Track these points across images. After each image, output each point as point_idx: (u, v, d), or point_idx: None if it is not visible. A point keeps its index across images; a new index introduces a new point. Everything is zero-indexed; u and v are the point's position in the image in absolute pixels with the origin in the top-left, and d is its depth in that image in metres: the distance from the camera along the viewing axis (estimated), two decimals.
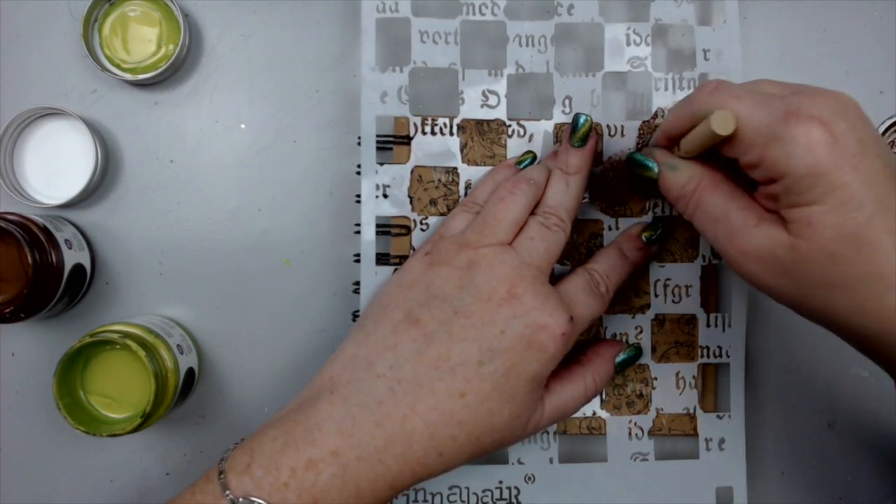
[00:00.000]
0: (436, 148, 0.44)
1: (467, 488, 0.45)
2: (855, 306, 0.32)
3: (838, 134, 0.31)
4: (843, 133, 0.31)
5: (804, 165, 0.31)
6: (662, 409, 0.45)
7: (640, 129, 0.45)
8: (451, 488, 0.45)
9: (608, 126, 0.45)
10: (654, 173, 0.40)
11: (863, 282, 0.32)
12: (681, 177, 0.38)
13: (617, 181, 0.44)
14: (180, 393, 0.43)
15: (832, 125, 0.32)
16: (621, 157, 0.44)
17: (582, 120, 0.41)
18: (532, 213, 0.40)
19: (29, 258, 0.40)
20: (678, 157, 0.39)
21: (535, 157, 0.44)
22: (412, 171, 0.44)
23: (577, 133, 0.41)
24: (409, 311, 0.38)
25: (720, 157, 0.36)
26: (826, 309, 0.34)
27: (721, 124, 0.33)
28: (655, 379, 0.45)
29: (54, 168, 0.45)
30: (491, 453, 0.38)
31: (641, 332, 0.45)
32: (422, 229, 0.44)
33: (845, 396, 0.48)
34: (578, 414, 0.45)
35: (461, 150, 0.44)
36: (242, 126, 0.47)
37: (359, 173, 0.44)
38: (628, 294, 0.45)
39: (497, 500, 0.45)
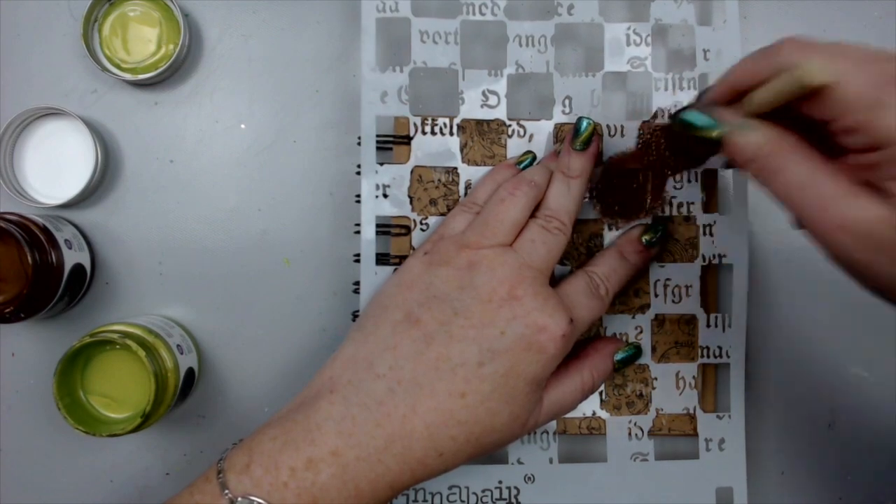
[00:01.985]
0: (436, 148, 0.44)
1: (467, 488, 0.45)
2: None
3: None
4: None
5: None
6: (662, 410, 0.45)
7: (640, 129, 0.45)
8: (450, 488, 0.45)
9: (608, 126, 0.45)
10: (717, 132, 0.34)
11: None
12: (756, 137, 0.33)
13: (617, 180, 0.44)
14: (180, 393, 0.43)
15: None
16: (623, 154, 0.44)
17: (584, 124, 0.41)
18: (533, 215, 0.40)
19: (29, 258, 0.40)
20: (744, 116, 0.34)
21: (534, 158, 0.44)
22: (412, 171, 0.44)
23: (580, 137, 0.41)
24: (409, 311, 0.38)
25: (790, 119, 0.32)
26: None
27: (814, 73, 0.29)
28: (655, 379, 0.45)
29: (54, 168, 0.45)
30: (490, 453, 0.38)
31: (641, 332, 0.45)
32: (422, 229, 0.44)
33: (845, 396, 0.48)
34: (578, 414, 0.45)
35: (461, 150, 0.44)
36: (242, 126, 0.47)
37: (359, 173, 0.44)
38: (628, 294, 0.45)
39: (497, 499, 0.45)
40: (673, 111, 0.41)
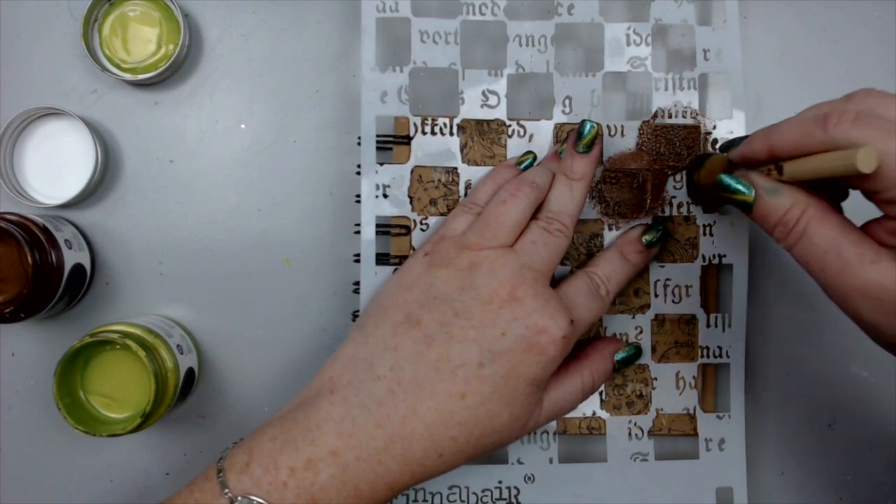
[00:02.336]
0: (436, 148, 0.44)
1: (467, 488, 0.45)
2: None
3: None
4: None
5: None
6: (662, 410, 0.45)
7: (640, 129, 0.45)
8: (450, 488, 0.45)
9: (608, 126, 0.45)
10: (749, 198, 0.35)
11: None
12: (784, 202, 0.34)
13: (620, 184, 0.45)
14: (180, 393, 0.43)
15: None
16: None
17: (588, 127, 0.41)
18: (534, 216, 0.40)
19: (29, 258, 0.40)
20: (776, 181, 0.35)
21: (535, 158, 0.44)
22: (412, 171, 0.44)
23: (583, 140, 0.41)
24: (409, 312, 0.38)
25: (823, 184, 0.33)
26: None
27: (866, 162, 0.30)
28: (655, 379, 0.45)
29: (54, 168, 0.45)
30: (490, 454, 0.38)
31: (641, 332, 0.45)
32: (422, 229, 0.44)
33: (845, 396, 0.48)
34: (578, 414, 0.45)
35: (461, 150, 0.44)
36: (242, 126, 0.47)
37: (359, 173, 0.44)
38: (628, 294, 0.45)
39: (497, 499, 0.45)
40: (695, 158, 0.43)
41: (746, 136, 0.37)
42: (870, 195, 0.32)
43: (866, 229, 0.33)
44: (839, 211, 0.34)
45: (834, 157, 0.31)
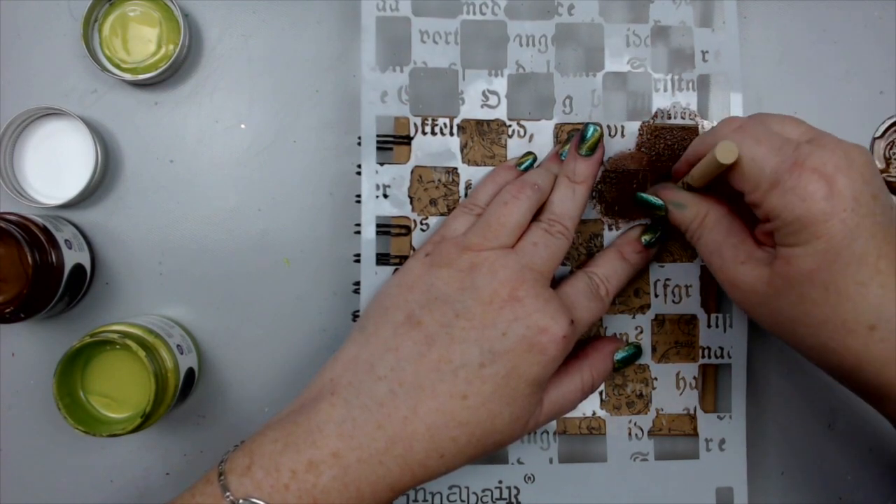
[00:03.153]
0: (436, 148, 0.44)
1: (467, 488, 0.45)
2: (818, 343, 0.35)
3: (836, 188, 0.33)
4: (841, 187, 0.33)
5: (796, 213, 0.34)
6: (662, 410, 0.45)
7: (639, 130, 0.45)
8: (450, 488, 0.45)
9: (608, 126, 0.45)
10: (662, 210, 0.42)
11: (825, 324, 0.35)
12: (687, 214, 0.41)
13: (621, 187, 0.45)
14: (180, 393, 0.43)
15: (833, 178, 0.33)
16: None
17: (591, 130, 0.41)
18: (535, 218, 0.40)
19: (29, 258, 0.40)
20: (685, 193, 0.41)
21: (535, 158, 0.44)
22: (412, 171, 0.44)
23: (587, 143, 0.41)
24: (410, 312, 0.38)
25: (730, 190, 0.38)
26: (795, 342, 0.37)
27: (724, 154, 0.35)
28: (655, 379, 0.45)
29: (54, 168, 0.45)
30: (491, 454, 0.38)
31: (641, 332, 0.45)
32: (422, 229, 0.44)
33: (845, 396, 0.48)
34: (578, 414, 0.45)
35: (461, 150, 0.44)
36: (242, 126, 0.47)
37: (359, 173, 0.44)
38: (628, 294, 0.45)
39: (497, 499, 0.45)
40: (700, 125, 0.45)
41: None
42: (746, 200, 0.36)
43: (752, 232, 0.38)
44: (738, 217, 0.39)
45: (709, 156, 0.36)
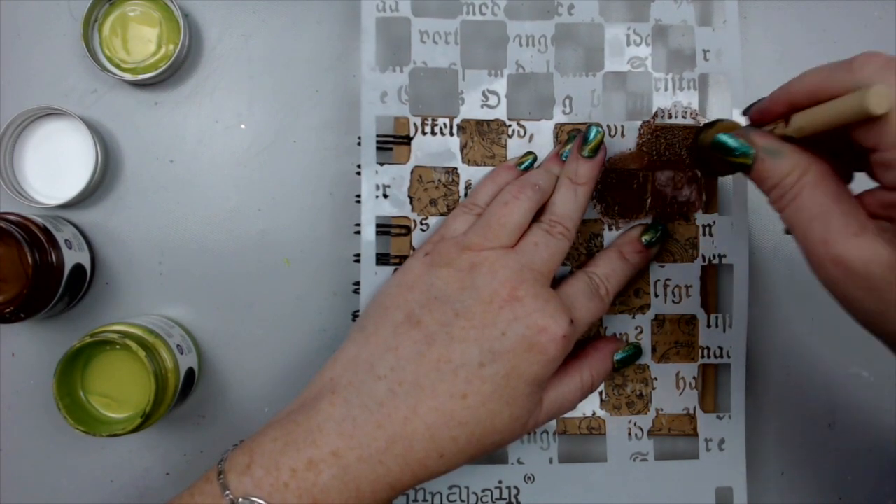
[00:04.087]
0: (436, 148, 0.44)
1: (467, 488, 0.45)
2: None
3: None
4: None
5: None
6: (662, 410, 0.45)
7: (640, 129, 0.45)
8: (450, 488, 0.45)
9: (608, 126, 0.45)
10: (749, 159, 0.34)
11: None
12: (784, 165, 0.33)
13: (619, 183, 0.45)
14: (180, 393, 0.43)
15: None
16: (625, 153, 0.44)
17: (594, 132, 0.41)
18: (536, 218, 0.40)
19: (29, 258, 0.40)
20: (780, 141, 0.34)
21: (535, 158, 0.44)
22: (412, 171, 0.44)
23: (589, 144, 0.41)
24: (409, 312, 0.38)
25: (824, 145, 0.33)
26: None
27: (879, 101, 0.28)
28: (655, 379, 0.45)
29: (54, 168, 0.45)
30: (490, 453, 0.38)
31: (641, 332, 0.45)
32: (422, 229, 0.44)
33: (845, 396, 0.48)
34: (578, 414, 0.45)
35: (461, 150, 0.44)
36: (242, 126, 0.47)
37: (359, 173, 0.44)
38: (628, 294, 0.45)
39: (497, 499, 0.45)
40: (703, 123, 0.41)
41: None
42: (869, 157, 0.31)
43: (860, 199, 0.32)
44: (841, 179, 0.33)
45: (844, 100, 0.29)
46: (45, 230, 0.42)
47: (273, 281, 0.47)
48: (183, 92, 0.47)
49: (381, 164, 0.44)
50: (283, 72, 0.47)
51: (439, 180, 0.44)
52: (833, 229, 0.31)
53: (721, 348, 0.45)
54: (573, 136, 0.43)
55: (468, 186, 0.44)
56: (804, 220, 0.32)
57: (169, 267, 0.47)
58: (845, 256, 0.31)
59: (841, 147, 0.32)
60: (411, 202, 0.44)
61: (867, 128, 0.29)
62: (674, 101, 0.45)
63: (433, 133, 0.44)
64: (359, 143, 0.44)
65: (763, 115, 0.35)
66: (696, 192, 0.45)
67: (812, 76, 0.32)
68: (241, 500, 0.34)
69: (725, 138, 0.35)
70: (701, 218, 0.45)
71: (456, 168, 0.44)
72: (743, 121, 0.39)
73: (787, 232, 0.34)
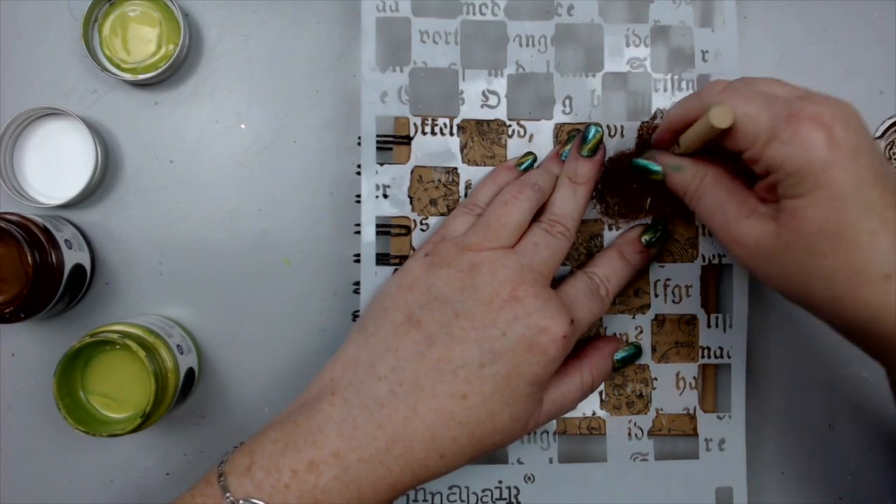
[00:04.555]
0: (436, 148, 0.44)
1: (467, 488, 0.45)
2: (830, 296, 0.34)
3: (835, 137, 0.33)
4: (839, 137, 0.33)
5: (798, 161, 0.33)
6: (662, 410, 0.45)
7: (639, 130, 0.45)
8: (450, 488, 0.45)
9: (608, 126, 0.45)
10: (660, 175, 0.42)
11: (838, 275, 0.34)
12: (686, 176, 0.40)
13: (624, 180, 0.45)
14: (180, 393, 0.43)
15: (831, 127, 0.33)
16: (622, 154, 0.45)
17: (593, 131, 0.41)
18: (536, 218, 0.40)
19: (29, 258, 0.40)
20: (680, 157, 0.41)
21: (535, 159, 0.44)
22: (412, 171, 0.44)
23: (588, 144, 0.41)
24: (409, 312, 0.38)
25: (724, 151, 0.38)
26: (806, 296, 0.36)
27: (720, 118, 0.35)
28: (655, 379, 0.45)
29: (54, 168, 0.45)
30: (491, 454, 0.38)
31: (641, 332, 0.45)
32: (422, 229, 0.44)
33: (845, 396, 0.48)
34: (578, 414, 0.45)
35: (461, 150, 0.44)
36: (242, 126, 0.47)
37: (359, 173, 0.44)
38: (628, 294, 0.45)
39: (497, 499, 0.45)
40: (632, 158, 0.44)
41: None
42: (744, 158, 0.36)
43: (752, 190, 0.38)
44: (736, 176, 0.39)
45: (701, 120, 0.36)
46: (45, 230, 0.42)
47: (273, 281, 0.47)
48: (183, 92, 0.47)
49: (381, 164, 0.44)
50: (283, 72, 0.47)
51: (439, 180, 0.44)
52: (730, 216, 0.38)
53: (721, 348, 0.45)
54: (573, 136, 0.43)
55: (468, 186, 0.44)
56: (708, 213, 0.39)
57: (169, 267, 0.47)
58: (741, 235, 0.37)
59: (728, 154, 0.38)
60: (411, 202, 0.44)
61: (727, 138, 0.36)
62: (673, 101, 0.45)
63: (433, 133, 0.44)
64: (359, 143, 0.44)
65: (659, 142, 0.43)
66: None
67: (677, 107, 0.40)
68: (241, 501, 0.34)
69: (639, 161, 0.43)
70: None
71: (456, 168, 0.44)
72: None
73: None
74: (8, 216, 0.41)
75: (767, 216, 0.36)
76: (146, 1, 0.46)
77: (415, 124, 0.44)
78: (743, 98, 0.35)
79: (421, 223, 0.44)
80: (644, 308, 0.45)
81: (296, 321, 0.47)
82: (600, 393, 0.45)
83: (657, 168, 0.42)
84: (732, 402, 0.45)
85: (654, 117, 0.45)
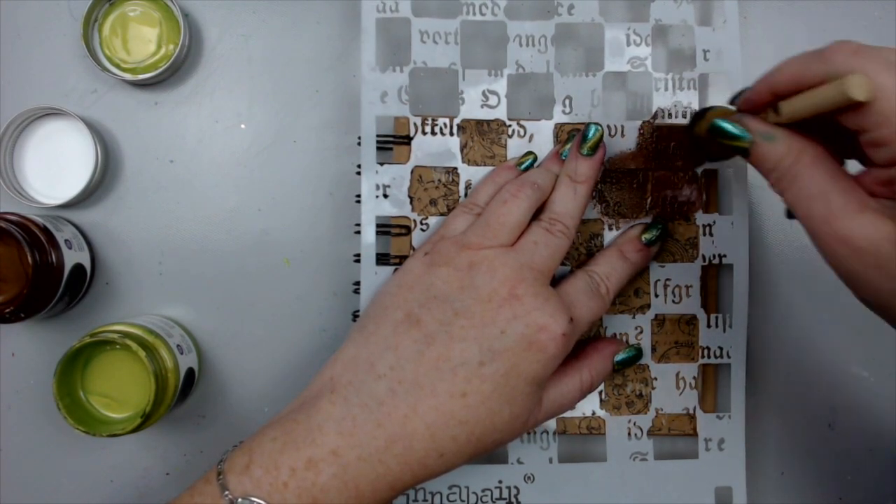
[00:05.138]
0: (436, 148, 0.44)
1: (467, 488, 0.45)
2: None
3: None
4: None
5: None
6: (662, 410, 0.45)
7: (640, 129, 0.45)
8: (450, 488, 0.45)
9: (608, 126, 0.45)
10: (745, 142, 0.35)
11: None
12: (779, 148, 0.34)
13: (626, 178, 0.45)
14: (180, 393, 0.43)
15: None
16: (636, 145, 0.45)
17: (593, 130, 0.41)
18: (535, 217, 0.40)
19: (29, 258, 0.40)
20: (773, 126, 0.35)
21: (535, 158, 0.44)
22: (412, 171, 0.44)
23: (588, 142, 0.41)
24: (409, 311, 0.38)
25: (815, 130, 0.33)
26: None
27: (860, 89, 0.29)
28: (655, 379, 0.45)
29: (54, 168, 0.45)
30: (490, 453, 0.38)
31: (641, 332, 0.45)
32: (422, 229, 0.44)
33: (845, 396, 0.48)
34: (578, 413, 0.45)
35: (461, 150, 0.44)
36: (242, 126, 0.47)
37: (359, 173, 0.44)
38: (628, 294, 0.45)
39: (496, 499, 0.45)
40: (693, 111, 0.42)
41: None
42: (858, 138, 0.31)
43: (857, 180, 0.33)
44: (836, 160, 0.34)
45: (827, 88, 0.31)
46: (45, 230, 0.42)
47: (273, 281, 0.47)
48: (183, 92, 0.47)
49: (381, 164, 0.44)
50: (283, 72, 0.47)
51: (439, 180, 0.44)
52: (835, 207, 0.32)
53: (721, 348, 0.45)
54: (573, 136, 0.43)
55: (468, 186, 0.44)
56: (805, 200, 0.33)
57: (169, 267, 0.47)
58: (850, 234, 0.31)
59: (828, 132, 0.33)
60: (411, 202, 0.44)
61: (853, 112, 0.30)
62: (674, 100, 0.45)
63: (433, 133, 0.44)
64: (359, 143, 0.44)
65: (749, 105, 0.36)
66: (696, 192, 0.45)
67: (789, 66, 0.33)
68: (240, 500, 0.34)
69: (723, 123, 0.36)
70: (701, 218, 0.45)
71: (456, 168, 0.44)
72: None
73: (790, 216, 0.35)
74: (8, 216, 0.41)
75: (884, 215, 0.31)
76: (146, 1, 0.46)
77: (415, 124, 0.44)
78: (881, 65, 0.29)
79: (421, 223, 0.44)
80: (644, 308, 0.45)
81: (296, 321, 0.47)
82: (600, 393, 0.45)
83: (745, 134, 0.35)
84: (732, 402, 0.45)
85: (655, 116, 0.45)
